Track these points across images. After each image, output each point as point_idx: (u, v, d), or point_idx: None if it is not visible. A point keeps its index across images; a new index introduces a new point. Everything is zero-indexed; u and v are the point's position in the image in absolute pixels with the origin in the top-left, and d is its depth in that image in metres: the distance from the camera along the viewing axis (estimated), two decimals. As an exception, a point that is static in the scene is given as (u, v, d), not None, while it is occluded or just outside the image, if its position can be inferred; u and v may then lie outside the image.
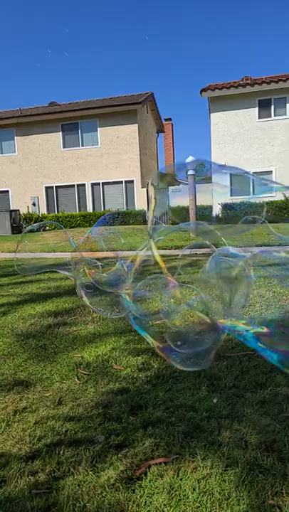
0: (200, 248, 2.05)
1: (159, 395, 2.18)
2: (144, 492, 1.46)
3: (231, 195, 17.89)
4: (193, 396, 2.15)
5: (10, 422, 1.98)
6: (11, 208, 22.06)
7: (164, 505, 1.40)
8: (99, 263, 2.49)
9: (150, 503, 1.41)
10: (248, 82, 18.96)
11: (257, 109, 19.17)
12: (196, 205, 13.09)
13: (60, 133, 21.97)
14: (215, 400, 1.79)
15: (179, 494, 1.44)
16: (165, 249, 10.08)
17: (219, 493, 1.44)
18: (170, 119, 32.39)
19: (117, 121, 21.19)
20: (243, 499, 1.41)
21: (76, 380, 2.44)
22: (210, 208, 18.32)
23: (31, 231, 16.37)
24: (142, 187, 20.87)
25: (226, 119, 19.51)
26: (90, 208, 21.62)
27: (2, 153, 22.86)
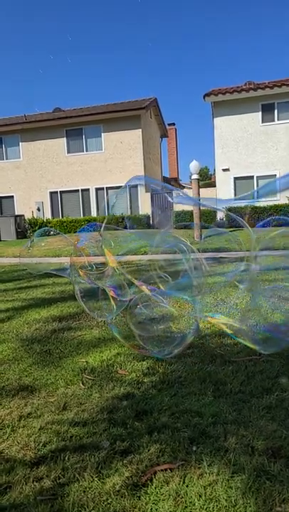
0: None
1: (164, 400, 2.17)
2: (149, 499, 1.45)
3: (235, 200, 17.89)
4: (199, 401, 2.14)
5: (15, 428, 1.97)
6: (16, 213, 22.15)
7: (170, 512, 1.39)
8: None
9: (156, 510, 1.40)
10: (251, 86, 18.99)
11: (260, 113, 19.18)
12: (200, 209, 13.08)
13: (65, 138, 22.07)
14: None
15: (185, 501, 1.43)
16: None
17: (226, 500, 1.43)
18: (174, 124, 32.49)
19: (120, 126, 21.27)
20: (250, 506, 1.39)
21: (81, 385, 2.43)
22: (214, 212, 18.31)
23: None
24: (146, 191, 20.91)
25: (229, 123, 19.53)
26: (94, 213, 21.66)
27: (7, 158, 22.99)
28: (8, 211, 22.76)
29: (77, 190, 22.00)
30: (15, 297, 5.29)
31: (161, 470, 1.59)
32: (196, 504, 1.41)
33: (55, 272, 2.83)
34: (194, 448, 1.73)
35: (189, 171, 14.16)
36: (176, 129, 32.96)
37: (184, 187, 31.42)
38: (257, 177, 19.19)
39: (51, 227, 20.35)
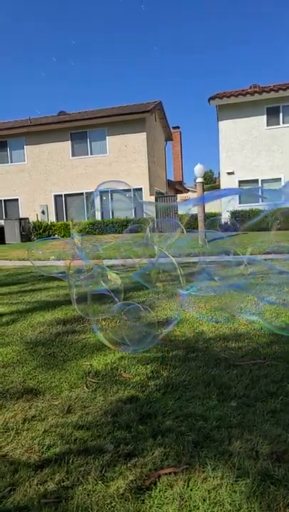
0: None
1: (168, 403, 2.16)
2: (153, 502, 1.45)
3: (239, 203, 17.90)
4: (203, 405, 2.13)
5: (19, 431, 1.97)
6: (21, 217, 22.23)
7: (174, 516, 1.38)
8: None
9: (160, 513, 1.40)
10: (256, 90, 19.01)
11: (265, 116, 19.19)
12: (204, 213, 13.08)
13: (69, 142, 22.16)
14: (234, 403, 1.79)
15: (189, 505, 1.42)
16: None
17: (230, 504, 1.42)
18: (178, 127, 32.56)
19: (125, 129, 21.33)
20: (255, 510, 1.39)
21: (85, 388, 2.43)
22: (219, 216, 18.29)
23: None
24: (151, 195, 20.94)
25: (234, 126, 19.55)
26: (98, 216, 21.71)
27: (12, 162, 23.10)
28: (13, 214, 22.85)
29: (82, 194, 22.06)
30: (19, 300, 5.30)
31: (166, 473, 1.58)
32: (201, 508, 1.41)
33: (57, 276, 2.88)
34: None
35: (194, 175, 14.17)
36: (180, 132, 33.02)
37: (188, 190, 31.42)
38: (262, 180, 19.18)
39: (55, 230, 20.42)
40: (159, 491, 1.50)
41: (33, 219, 21.92)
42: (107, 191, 18.60)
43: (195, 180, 14.23)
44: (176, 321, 2.70)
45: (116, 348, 2.65)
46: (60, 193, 22.42)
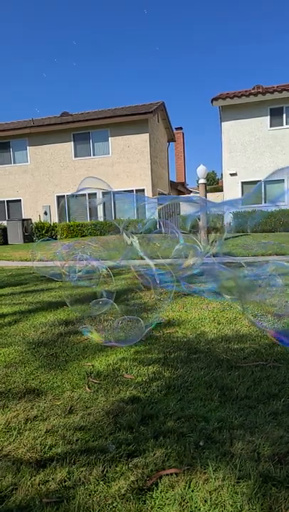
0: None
1: (170, 404, 2.17)
2: (155, 503, 1.45)
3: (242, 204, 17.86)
4: (205, 406, 2.13)
5: (21, 430, 1.98)
6: (23, 217, 22.27)
7: (176, 516, 1.38)
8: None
9: (161, 514, 1.40)
10: (260, 90, 18.99)
11: (268, 117, 19.17)
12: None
13: (72, 143, 22.20)
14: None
15: (191, 506, 1.43)
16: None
17: (231, 505, 1.42)
18: (181, 128, 32.56)
19: (128, 130, 21.35)
20: (256, 512, 1.39)
21: (87, 388, 2.43)
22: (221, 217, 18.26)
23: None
24: (153, 195, 20.94)
25: (237, 127, 19.54)
26: (100, 217, 21.72)
27: (15, 162, 23.16)
28: (16, 215, 22.90)
29: (84, 195, 22.08)
30: (22, 300, 5.31)
31: (167, 474, 1.59)
32: (202, 509, 1.41)
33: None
34: (201, 443, 1.74)
35: (196, 176, 14.16)
36: (183, 133, 33.02)
37: (190, 191, 31.42)
38: (265, 182, 19.13)
39: (57, 231, 20.45)
40: (161, 492, 1.50)
41: (35, 220, 21.96)
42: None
43: (198, 181, 14.22)
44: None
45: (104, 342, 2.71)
46: (63, 194, 22.46)
